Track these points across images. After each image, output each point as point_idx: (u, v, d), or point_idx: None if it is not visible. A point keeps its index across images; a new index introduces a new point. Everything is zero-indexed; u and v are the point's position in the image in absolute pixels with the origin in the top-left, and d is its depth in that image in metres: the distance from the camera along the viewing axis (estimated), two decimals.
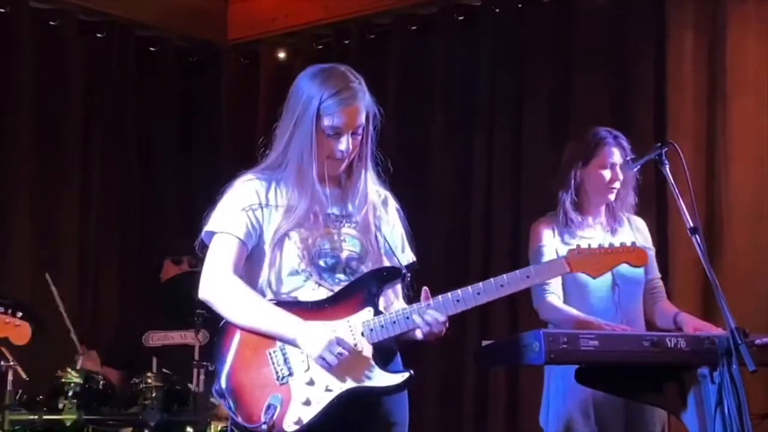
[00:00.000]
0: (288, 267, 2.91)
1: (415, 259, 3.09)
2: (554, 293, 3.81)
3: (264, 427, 2.74)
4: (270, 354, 2.85)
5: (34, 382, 4.54)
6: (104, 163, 6.29)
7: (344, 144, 2.92)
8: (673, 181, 3.45)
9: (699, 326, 3.67)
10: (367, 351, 2.84)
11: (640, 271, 3.80)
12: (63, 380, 4.42)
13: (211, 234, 2.96)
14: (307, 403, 2.79)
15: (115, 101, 6.33)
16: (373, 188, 3.05)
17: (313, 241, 2.90)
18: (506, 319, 5.51)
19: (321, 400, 2.79)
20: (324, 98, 2.90)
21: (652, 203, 5.02)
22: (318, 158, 2.93)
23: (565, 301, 3.82)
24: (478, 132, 5.96)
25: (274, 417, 2.75)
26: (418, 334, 2.89)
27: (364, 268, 2.95)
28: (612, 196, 3.86)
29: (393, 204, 3.12)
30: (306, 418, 2.78)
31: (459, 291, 2.88)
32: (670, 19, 5.31)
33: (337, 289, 2.91)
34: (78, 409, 4.34)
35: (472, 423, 5.74)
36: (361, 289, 2.89)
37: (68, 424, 4.33)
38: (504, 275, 2.92)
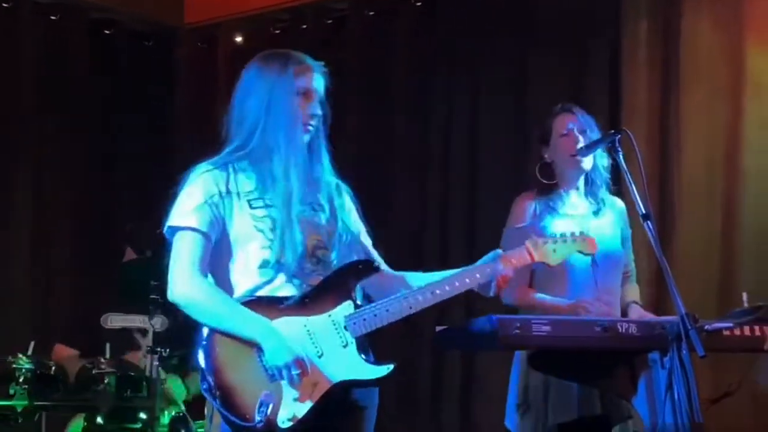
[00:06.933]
0: (257, 259, 2.89)
1: (371, 241, 3.13)
2: (522, 281, 3.78)
3: (260, 425, 2.75)
4: (258, 350, 2.83)
5: None
6: (59, 146, 6.24)
7: (314, 108, 2.97)
8: (626, 168, 3.46)
9: (643, 317, 3.70)
10: (352, 344, 2.87)
11: (619, 251, 3.86)
12: (14, 366, 4.37)
13: (173, 230, 2.92)
14: (299, 399, 2.80)
15: (69, 85, 6.27)
16: (332, 178, 3.06)
17: (281, 231, 2.89)
18: (462, 304, 5.53)
19: (312, 396, 2.80)
20: (293, 64, 2.98)
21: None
22: (296, 121, 2.94)
23: (544, 278, 3.82)
24: (437, 116, 5.98)
25: (268, 414, 2.76)
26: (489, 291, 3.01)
27: (331, 257, 2.96)
28: (585, 165, 3.84)
29: (346, 189, 3.12)
30: (299, 414, 2.79)
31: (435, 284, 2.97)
32: (625, 6, 5.35)
33: (307, 280, 2.91)
34: (29, 396, 4.30)
35: (427, 405, 5.78)
36: (339, 283, 2.91)
37: (19, 410, 4.28)
38: (469, 268, 3.00)
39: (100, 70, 6.45)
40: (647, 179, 3.51)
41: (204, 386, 2.83)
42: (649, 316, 3.69)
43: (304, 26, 6.39)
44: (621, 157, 3.51)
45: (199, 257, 2.87)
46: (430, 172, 5.98)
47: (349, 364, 2.85)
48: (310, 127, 2.97)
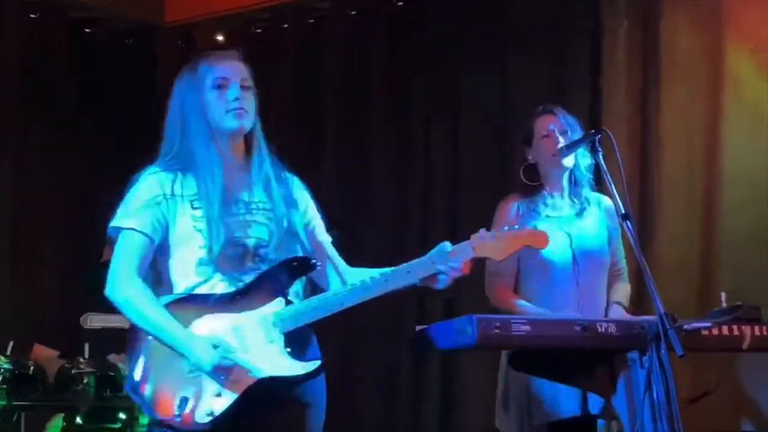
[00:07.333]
0: (196, 258, 2.93)
1: (330, 239, 3.15)
2: (505, 283, 3.83)
3: (178, 419, 2.79)
4: None
5: None
6: (41, 145, 6.21)
7: (234, 92, 2.97)
8: (606, 168, 3.48)
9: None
10: (279, 341, 2.88)
11: (604, 251, 3.87)
12: None
13: (117, 230, 2.98)
14: (219, 395, 2.83)
15: (51, 83, 6.23)
16: (274, 171, 3.06)
17: (220, 231, 2.92)
18: (442, 306, 5.54)
19: (232, 392, 2.83)
20: (202, 63, 3.02)
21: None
22: (215, 116, 2.96)
23: (525, 278, 3.83)
24: (418, 116, 5.98)
25: (186, 410, 2.80)
26: (438, 284, 2.95)
27: (273, 256, 2.97)
28: (566, 163, 3.85)
29: (300, 185, 3.14)
30: (218, 410, 2.82)
31: (370, 277, 2.96)
32: (605, 5, 5.36)
33: (246, 278, 2.94)
34: (8, 395, 4.28)
35: (408, 405, 5.78)
36: (272, 280, 2.93)
37: None
38: (413, 261, 2.97)
39: (82, 68, 6.42)
40: (627, 179, 3.52)
41: (129, 382, 2.88)
42: (628, 317, 3.70)
43: (285, 25, 6.38)
44: (601, 157, 3.52)
45: (139, 259, 2.93)
46: (411, 172, 5.97)
47: (274, 361, 2.86)
48: (242, 111, 2.98)
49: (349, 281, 3.04)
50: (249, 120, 3.01)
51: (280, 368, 2.86)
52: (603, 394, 3.41)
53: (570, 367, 3.37)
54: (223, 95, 2.97)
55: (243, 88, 2.99)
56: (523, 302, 3.79)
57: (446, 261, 2.94)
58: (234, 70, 3.01)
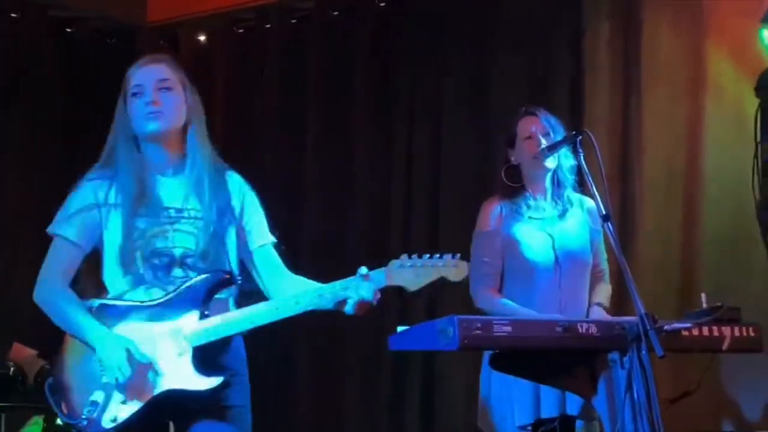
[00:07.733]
0: (123, 267, 2.98)
1: (275, 240, 3.16)
2: (490, 283, 3.85)
3: (84, 422, 2.86)
4: None
5: None
6: (23, 144, 6.17)
7: (150, 95, 3.00)
8: (587, 170, 3.49)
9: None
10: (188, 354, 2.92)
11: (586, 252, 3.90)
12: None
13: (51, 234, 3.05)
14: (124, 402, 2.89)
15: (31, 84, 6.20)
16: (209, 172, 3.06)
17: (147, 241, 2.96)
18: (425, 307, 5.54)
19: (138, 400, 2.89)
20: (128, 71, 3.08)
21: None
22: (136, 123, 3.01)
23: (508, 279, 3.85)
24: (399, 117, 5.98)
25: (94, 414, 2.86)
26: (348, 309, 2.94)
27: (201, 264, 3.00)
28: (548, 164, 3.87)
29: (240, 185, 3.15)
30: (121, 417, 2.88)
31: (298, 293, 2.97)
32: (587, 7, 5.38)
33: (170, 288, 2.97)
34: None
35: (389, 406, 5.78)
36: (191, 293, 2.96)
37: None
38: (325, 284, 2.98)
39: (63, 68, 6.38)
40: (608, 180, 3.54)
41: (49, 382, 2.97)
42: (609, 318, 3.72)
43: (268, 25, 6.37)
44: (582, 158, 3.54)
45: (63, 266, 3.02)
46: (393, 172, 5.97)
47: (180, 373, 2.91)
48: (156, 113, 3.00)
49: (279, 292, 3.05)
50: (167, 120, 3.03)
51: (183, 382, 2.89)
52: (584, 395, 3.42)
53: (551, 368, 3.38)
54: (139, 101, 3.02)
55: (160, 90, 3.02)
56: (508, 302, 3.80)
57: (357, 288, 2.92)
58: (148, 74, 3.04)
